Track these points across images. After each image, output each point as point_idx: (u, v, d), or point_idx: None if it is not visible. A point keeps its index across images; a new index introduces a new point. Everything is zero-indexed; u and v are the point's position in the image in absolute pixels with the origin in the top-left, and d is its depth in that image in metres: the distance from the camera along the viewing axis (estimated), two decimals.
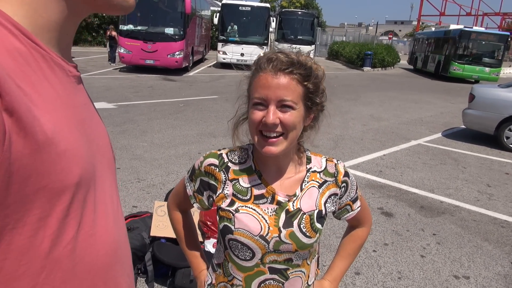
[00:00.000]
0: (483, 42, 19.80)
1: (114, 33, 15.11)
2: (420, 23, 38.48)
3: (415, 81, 18.87)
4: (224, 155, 1.12)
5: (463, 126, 8.08)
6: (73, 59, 0.62)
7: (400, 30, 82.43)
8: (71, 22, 0.57)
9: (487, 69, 19.23)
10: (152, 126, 6.91)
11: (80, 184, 0.53)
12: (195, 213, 2.99)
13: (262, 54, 1.04)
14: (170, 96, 9.99)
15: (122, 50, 13.62)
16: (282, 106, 0.96)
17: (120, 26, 13.78)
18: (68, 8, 0.55)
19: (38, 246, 0.48)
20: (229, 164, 1.10)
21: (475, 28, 21.38)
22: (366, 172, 5.43)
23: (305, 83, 0.98)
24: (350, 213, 1.19)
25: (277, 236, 1.04)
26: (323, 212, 1.10)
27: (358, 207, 1.20)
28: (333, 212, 1.17)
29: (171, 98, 9.64)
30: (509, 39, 19.88)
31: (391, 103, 11.50)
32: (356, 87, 14.56)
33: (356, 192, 1.18)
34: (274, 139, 0.98)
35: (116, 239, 0.63)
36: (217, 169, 1.09)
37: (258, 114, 0.98)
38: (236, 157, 1.11)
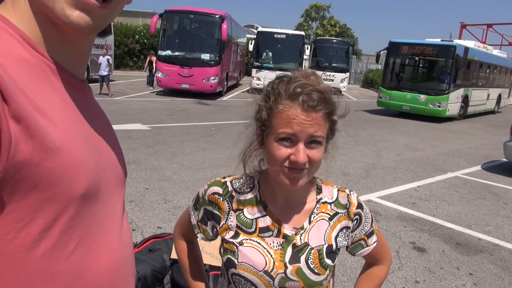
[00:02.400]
0: (416, 58, 14.09)
1: (153, 58, 15.74)
2: None
3: None
4: (229, 183, 1.06)
5: (505, 159, 7.65)
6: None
7: None
8: (67, 39, 0.56)
9: (422, 97, 13.49)
10: (183, 148, 7.02)
11: (86, 196, 0.52)
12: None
13: (285, 79, 0.95)
14: (203, 119, 10.17)
15: (159, 74, 14.14)
16: (311, 142, 0.91)
17: (159, 51, 14.36)
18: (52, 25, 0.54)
19: (38, 259, 0.47)
20: (233, 193, 1.05)
21: (405, 40, 14.28)
22: (398, 203, 5.21)
23: (331, 117, 0.95)
24: (365, 248, 1.10)
25: (282, 272, 0.98)
26: (334, 247, 1.03)
27: (374, 243, 1.11)
28: (346, 247, 1.09)
29: (203, 122, 9.81)
30: (456, 52, 13.01)
31: (427, 133, 11.14)
32: (391, 116, 14.27)
33: (371, 226, 1.10)
34: (300, 174, 0.93)
35: (121, 256, 0.61)
36: (221, 198, 1.04)
37: (284, 151, 0.91)
38: (240, 186, 1.06)
